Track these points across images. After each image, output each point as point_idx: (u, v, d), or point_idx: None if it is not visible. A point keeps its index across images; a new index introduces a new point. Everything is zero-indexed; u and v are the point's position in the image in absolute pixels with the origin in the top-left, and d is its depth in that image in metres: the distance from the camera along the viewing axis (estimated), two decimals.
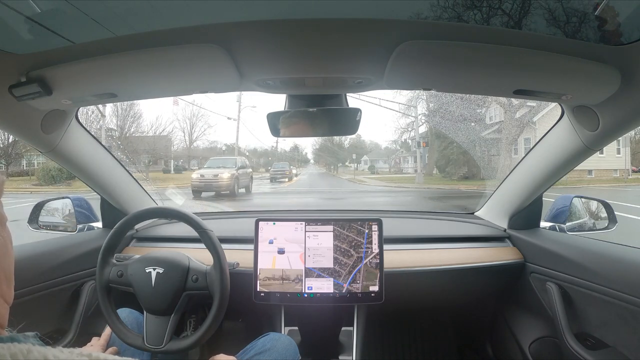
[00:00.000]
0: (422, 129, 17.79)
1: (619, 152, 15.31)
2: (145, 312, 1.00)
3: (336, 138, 28.53)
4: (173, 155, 22.77)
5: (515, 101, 11.61)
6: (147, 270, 0.99)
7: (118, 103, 14.03)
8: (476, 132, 13.08)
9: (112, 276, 1.02)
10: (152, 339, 0.97)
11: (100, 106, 11.73)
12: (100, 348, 0.97)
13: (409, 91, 14.59)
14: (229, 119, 20.64)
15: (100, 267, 1.03)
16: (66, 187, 11.92)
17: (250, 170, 13.42)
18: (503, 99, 11.64)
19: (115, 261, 1.06)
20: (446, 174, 15.81)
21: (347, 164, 31.54)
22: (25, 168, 15.58)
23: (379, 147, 31.35)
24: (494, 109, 13.92)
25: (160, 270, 0.99)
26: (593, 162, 13.68)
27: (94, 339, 1.01)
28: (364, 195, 13.09)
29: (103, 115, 13.55)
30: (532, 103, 11.40)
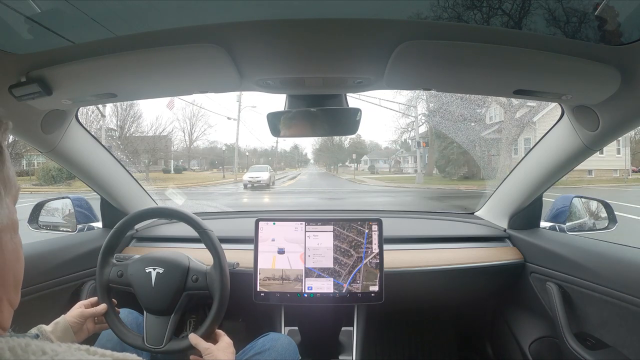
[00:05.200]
0: (422, 129, 17.82)
1: (619, 152, 15.28)
2: (145, 312, 1.00)
3: (336, 138, 28.56)
4: (173, 155, 22.79)
5: (515, 101, 11.60)
6: (147, 270, 0.99)
7: (118, 103, 14.06)
8: (476, 132, 13.01)
9: (112, 276, 1.01)
10: (152, 339, 0.97)
11: (100, 106, 11.73)
12: (86, 310, 0.96)
13: (409, 91, 14.63)
14: (229, 119, 20.62)
15: (100, 267, 1.02)
16: (66, 187, 11.90)
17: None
18: (503, 99, 11.64)
19: (115, 261, 1.05)
20: (446, 174, 15.77)
21: (347, 163, 31.56)
22: (25, 168, 15.55)
23: (378, 147, 31.37)
24: (494, 109, 13.90)
25: (160, 270, 0.99)
26: (593, 162, 13.64)
27: (79, 303, 0.99)
28: (364, 195, 13.05)
29: (103, 116, 13.55)
30: (532, 103, 11.40)
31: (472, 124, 12.76)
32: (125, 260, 1.06)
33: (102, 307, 0.98)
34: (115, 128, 16.21)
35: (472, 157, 14.02)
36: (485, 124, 13.76)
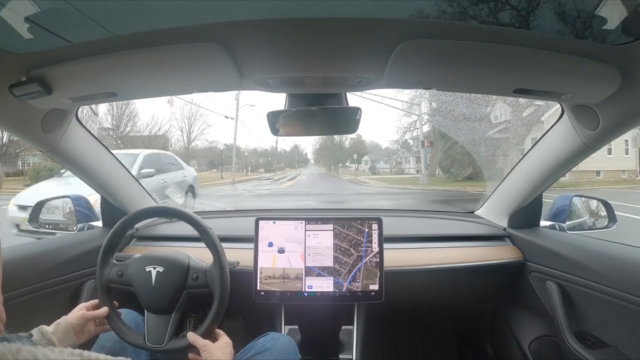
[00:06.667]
0: (425, 128, 17.46)
1: (627, 153, 15.01)
2: (145, 312, 1.00)
3: (336, 138, 28.61)
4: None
5: (522, 100, 11.37)
6: (147, 270, 0.99)
7: (113, 102, 13.95)
8: (482, 132, 12.42)
9: (112, 276, 1.01)
10: (153, 337, 0.97)
11: (93, 105, 11.60)
12: (87, 312, 0.95)
13: (412, 89, 14.33)
14: (227, 118, 20.31)
15: (101, 266, 1.02)
16: None
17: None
18: (510, 98, 11.38)
19: (115, 261, 1.05)
20: (450, 175, 15.50)
21: (347, 164, 31.55)
22: (21, 168, 15.44)
23: (379, 147, 31.33)
24: (499, 108, 13.46)
25: (161, 269, 0.99)
26: (601, 163, 13.41)
27: (81, 305, 0.99)
28: (367, 198, 12.54)
29: (95, 114, 13.36)
30: (539, 102, 11.21)
31: (478, 123, 12.24)
32: (125, 260, 1.06)
33: (104, 310, 0.98)
34: (111, 127, 16.07)
35: (477, 157, 13.55)
36: (491, 123, 13.25)
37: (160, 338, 0.96)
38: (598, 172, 14.19)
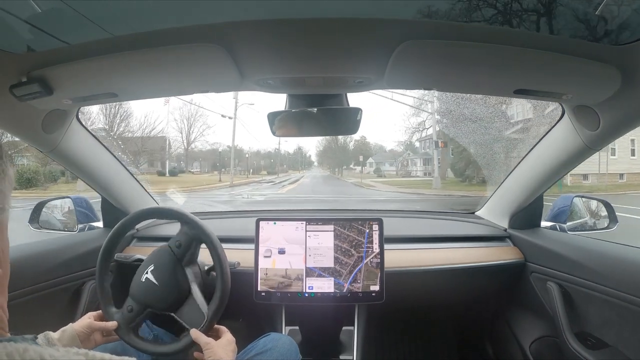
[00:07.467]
0: (436, 128, 16.55)
1: None
2: (175, 314, 0.98)
3: (340, 139, 28.31)
4: (174, 157, 22.36)
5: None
6: (144, 279, 0.99)
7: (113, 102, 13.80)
8: (501, 130, 11.39)
9: (125, 315, 0.99)
10: (194, 322, 0.95)
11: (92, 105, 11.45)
12: (95, 323, 0.95)
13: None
14: (224, 117, 19.56)
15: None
16: (42, 192, 11.15)
17: None
18: None
19: (114, 309, 1.02)
20: (464, 178, 14.77)
21: (351, 166, 31.37)
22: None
23: (383, 149, 31.02)
24: (515, 107, 12.44)
25: (152, 267, 0.99)
26: (625, 165, 12.91)
27: (89, 314, 0.98)
28: (378, 207, 10.07)
29: (81, 113, 13.08)
30: None
31: (496, 121, 11.14)
32: (125, 262, 1.05)
33: (113, 324, 0.97)
34: (103, 127, 15.76)
35: (495, 158, 11.23)
36: (510, 122, 12.25)
37: (200, 318, 0.95)
38: (621, 175, 13.36)
